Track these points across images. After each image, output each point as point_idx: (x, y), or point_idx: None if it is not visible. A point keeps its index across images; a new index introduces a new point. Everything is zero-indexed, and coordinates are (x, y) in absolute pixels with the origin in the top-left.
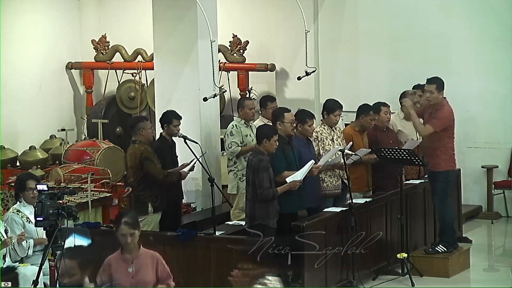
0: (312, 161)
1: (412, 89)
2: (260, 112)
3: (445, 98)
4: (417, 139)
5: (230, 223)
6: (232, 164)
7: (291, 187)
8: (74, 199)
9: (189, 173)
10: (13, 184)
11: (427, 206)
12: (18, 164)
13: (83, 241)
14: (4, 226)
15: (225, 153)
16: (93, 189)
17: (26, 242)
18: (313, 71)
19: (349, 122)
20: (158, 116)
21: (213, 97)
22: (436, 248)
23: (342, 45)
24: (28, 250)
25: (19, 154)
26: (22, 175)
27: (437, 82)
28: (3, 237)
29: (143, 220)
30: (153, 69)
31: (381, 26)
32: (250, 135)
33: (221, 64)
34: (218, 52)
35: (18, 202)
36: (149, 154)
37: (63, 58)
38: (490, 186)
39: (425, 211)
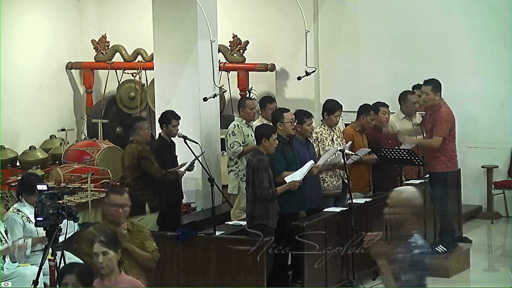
0: (312, 162)
1: (411, 89)
2: (259, 112)
3: (442, 99)
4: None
5: (230, 223)
6: (233, 164)
7: (291, 187)
8: (74, 199)
9: (185, 172)
10: (13, 184)
11: (427, 206)
12: (18, 164)
13: None
14: (5, 226)
15: (225, 153)
16: (93, 189)
17: (24, 241)
18: (313, 71)
19: (349, 122)
20: (158, 116)
21: (213, 97)
22: (436, 248)
23: (342, 45)
24: (26, 250)
25: (19, 154)
26: (29, 177)
27: (432, 84)
28: (4, 237)
29: (141, 220)
30: (153, 69)
31: (381, 26)
32: (251, 135)
33: (221, 64)
34: (218, 52)
35: (18, 202)
36: (147, 153)
37: (63, 58)
38: (490, 186)
39: (425, 211)
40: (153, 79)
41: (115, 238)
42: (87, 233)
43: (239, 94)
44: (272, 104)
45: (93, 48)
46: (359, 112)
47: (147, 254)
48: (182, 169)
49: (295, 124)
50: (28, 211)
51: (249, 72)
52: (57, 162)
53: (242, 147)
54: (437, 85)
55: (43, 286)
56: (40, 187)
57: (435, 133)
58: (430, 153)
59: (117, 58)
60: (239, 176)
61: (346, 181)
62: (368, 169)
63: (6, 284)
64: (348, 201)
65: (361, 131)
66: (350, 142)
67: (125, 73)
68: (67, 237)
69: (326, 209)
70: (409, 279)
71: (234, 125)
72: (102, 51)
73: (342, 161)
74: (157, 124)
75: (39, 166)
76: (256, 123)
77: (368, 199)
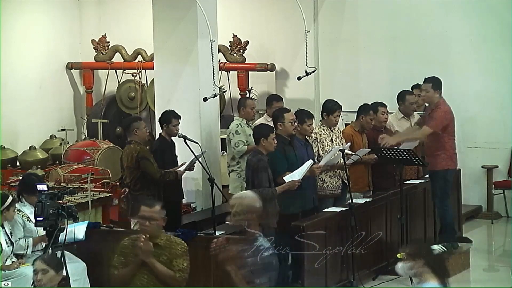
0: (311, 161)
1: (410, 89)
2: (260, 112)
3: (442, 97)
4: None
5: (230, 223)
6: (234, 164)
7: (290, 187)
8: (74, 199)
9: (184, 172)
10: (13, 184)
11: (427, 206)
12: (18, 164)
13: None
14: (10, 228)
15: (225, 153)
16: (93, 189)
17: (25, 241)
18: (313, 71)
19: (349, 122)
20: (158, 116)
21: (213, 97)
22: None
23: (342, 45)
24: (27, 249)
25: (19, 154)
26: (30, 177)
27: (432, 81)
28: (9, 239)
29: None
30: (153, 69)
31: (381, 26)
32: (252, 134)
33: (221, 64)
34: (218, 52)
35: (18, 202)
36: (145, 153)
37: (63, 58)
38: (490, 186)
39: (425, 211)
40: (153, 79)
41: (59, 261)
42: (122, 246)
43: (239, 94)
44: (278, 102)
45: (93, 48)
46: (358, 112)
47: (169, 273)
48: (181, 168)
49: (296, 123)
50: (29, 211)
51: (249, 72)
52: (57, 162)
53: (246, 146)
54: (437, 83)
55: None
56: (40, 187)
57: (427, 124)
58: (431, 151)
59: (117, 58)
60: (241, 176)
61: (346, 181)
62: (368, 169)
63: (6, 284)
64: (348, 201)
65: (361, 131)
66: (349, 143)
67: (125, 73)
68: (70, 242)
69: (326, 209)
70: (263, 282)
71: (237, 124)
72: (102, 51)
73: (342, 161)
74: (157, 124)
75: (39, 166)
76: (260, 121)
77: (368, 199)
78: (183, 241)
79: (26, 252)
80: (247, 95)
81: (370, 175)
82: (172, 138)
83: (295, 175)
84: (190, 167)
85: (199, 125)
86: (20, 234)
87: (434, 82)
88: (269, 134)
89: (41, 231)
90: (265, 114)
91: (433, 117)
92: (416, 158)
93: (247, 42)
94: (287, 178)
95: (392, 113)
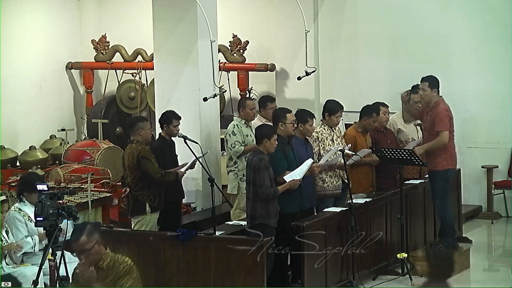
0: (311, 160)
1: (411, 89)
2: (259, 111)
3: (441, 96)
4: (418, 138)
5: (230, 223)
6: (232, 164)
7: (291, 186)
8: (74, 199)
9: (185, 172)
10: (13, 184)
11: (427, 206)
12: (18, 164)
13: None
14: (5, 226)
15: (225, 153)
16: (93, 189)
17: (32, 239)
18: (313, 71)
19: (351, 122)
20: (158, 116)
21: (213, 97)
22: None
23: (342, 45)
24: (34, 247)
25: (19, 154)
26: (30, 175)
27: (429, 80)
28: (4, 237)
29: (141, 220)
30: (153, 69)
31: (381, 26)
32: (250, 135)
33: (221, 64)
34: (218, 52)
35: (19, 201)
36: (146, 153)
37: (63, 58)
38: (490, 186)
39: (425, 211)
40: (153, 79)
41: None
42: (74, 273)
43: (239, 94)
44: (272, 103)
45: (93, 48)
46: (361, 113)
47: None
48: (183, 169)
49: (297, 123)
50: (29, 210)
51: (249, 72)
52: (57, 162)
53: (243, 147)
54: (434, 81)
55: (43, 286)
56: (40, 187)
57: (440, 129)
58: (430, 151)
59: (117, 58)
60: (238, 176)
61: (346, 181)
62: (372, 170)
63: (6, 284)
64: (348, 201)
65: (364, 132)
66: (350, 145)
67: (125, 73)
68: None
69: (326, 209)
70: None
71: (234, 125)
72: (102, 51)
73: (342, 161)
74: (157, 124)
75: (39, 166)
76: (255, 122)
77: (368, 199)
78: (126, 259)
79: (34, 249)
80: (247, 95)
81: (374, 176)
82: (172, 138)
83: (296, 174)
84: (191, 166)
85: (199, 125)
86: (25, 232)
87: (431, 81)
88: (272, 135)
89: (42, 231)
90: (258, 115)
91: (438, 119)
92: (416, 158)
93: (247, 42)
94: (288, 177)
95: (395, 113)
